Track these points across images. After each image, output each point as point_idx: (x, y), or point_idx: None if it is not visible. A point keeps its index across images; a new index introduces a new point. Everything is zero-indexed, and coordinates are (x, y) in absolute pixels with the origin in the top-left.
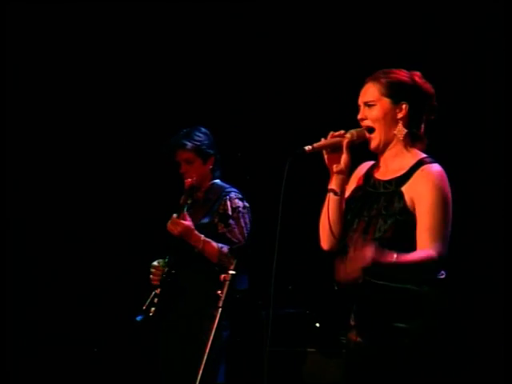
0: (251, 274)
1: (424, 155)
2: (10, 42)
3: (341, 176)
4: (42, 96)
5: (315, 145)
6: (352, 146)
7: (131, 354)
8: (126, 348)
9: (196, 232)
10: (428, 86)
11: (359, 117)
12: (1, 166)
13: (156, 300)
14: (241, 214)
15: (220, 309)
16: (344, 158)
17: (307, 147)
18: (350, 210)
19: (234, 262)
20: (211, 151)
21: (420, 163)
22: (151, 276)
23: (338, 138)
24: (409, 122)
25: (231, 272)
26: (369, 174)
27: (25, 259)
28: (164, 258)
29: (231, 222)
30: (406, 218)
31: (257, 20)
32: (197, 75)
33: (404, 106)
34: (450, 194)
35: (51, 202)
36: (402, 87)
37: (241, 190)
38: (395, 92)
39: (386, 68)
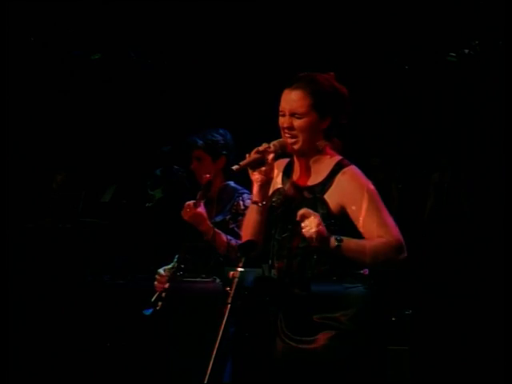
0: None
1: (340, 157)
2: (12, 42)
3: (264, 188)
4: (50, 97)
5: (241, 163)
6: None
7: (141, 348)
8: (136, 342)
9: (208, 222)
10: (344, 90)
11: (285, 125)
12: (4, 165)
13: (164, 294)
14: None
15: (229, 305)
16: (268, 171)
17: (235, 167)
18: (273, 216)
19: (243, 259)
20: (224, 151)
21: (338, 167)
22: (155, 283)
23: (261, 155)
24: (329, 132)
25: (240, 269)
26: (287, 177)
27: (36, 255)
28: (170, 264)
29: (241, 218)
30: (329, 225)
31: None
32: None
33: (328, 119)
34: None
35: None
36: (328, 101)
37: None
38: (322, 107)
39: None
